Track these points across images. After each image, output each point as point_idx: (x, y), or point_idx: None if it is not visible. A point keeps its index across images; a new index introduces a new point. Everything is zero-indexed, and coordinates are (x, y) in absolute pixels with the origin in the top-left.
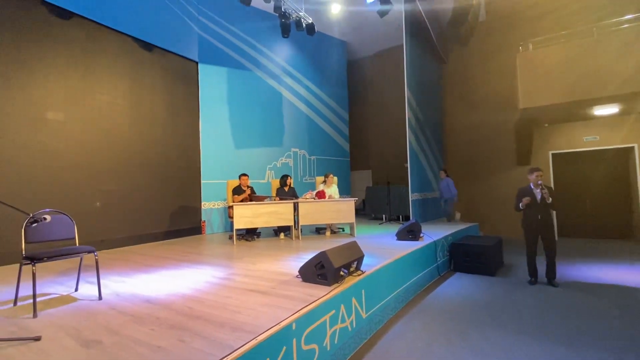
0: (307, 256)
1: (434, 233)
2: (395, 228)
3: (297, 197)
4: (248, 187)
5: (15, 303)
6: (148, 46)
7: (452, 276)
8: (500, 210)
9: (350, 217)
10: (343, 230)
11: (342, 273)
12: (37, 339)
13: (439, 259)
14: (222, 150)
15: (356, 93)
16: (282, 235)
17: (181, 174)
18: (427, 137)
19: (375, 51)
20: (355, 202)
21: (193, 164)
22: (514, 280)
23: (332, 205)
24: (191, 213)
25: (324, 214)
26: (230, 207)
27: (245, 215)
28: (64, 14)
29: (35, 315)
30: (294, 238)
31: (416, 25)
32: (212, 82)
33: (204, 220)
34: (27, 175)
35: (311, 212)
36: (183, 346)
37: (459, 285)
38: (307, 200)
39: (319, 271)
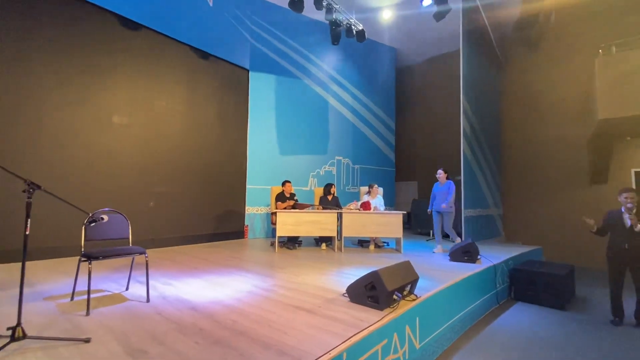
0: (351, 271)
1: (491, 255)
2: (444, 245)
3: (340, 207)
4: (291, 194)
5: (72, 298)
6: (204, 55)
7: (513, 306)
8: (568, 235)
9: (398, 231)
10: (387, 245)
11: (395, 297)
12: (87, 340)
13: (498, 286)
14: (267, 157)
15: (404, 101)
16: (323, 245)
17: (228, 179)
18: (483, 149)
19: (427, 57)
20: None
21: (239, 169)
22: (591, 318)
23: (378, 217)
24: (235, 217)
25: (368, 227)
26: (273, 214)
27: (288, 223)
28: (132, 26)
29: (88, 313)
30: (336, 249)
31: (474, 29)
32: (261, 90)
33: (247, 225)
34: (92, 175)
35: (355, 223)
36: None
37: (522, 318)
38: (352, 211)
39: (369, 292)
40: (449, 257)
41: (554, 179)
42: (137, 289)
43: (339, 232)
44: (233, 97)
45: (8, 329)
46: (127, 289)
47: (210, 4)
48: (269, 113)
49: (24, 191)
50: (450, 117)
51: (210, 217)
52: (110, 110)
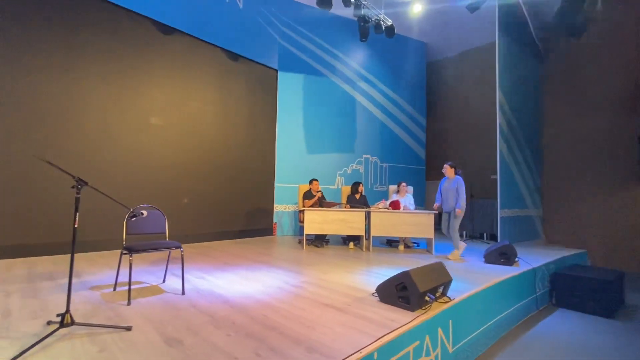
0: (380, 271)
1: (530, 258)
2: (478, 247)
3: (368, 206)
4: (318, 192)
5: (114, 288)
6: (234, 56)
7: (555, 312)
8: (617, 238)
9: (429, 231)
10: (418, 245)
11: (427, 298)
12: (129, 328)
13: (538, 291)
14: (295, 155)
15: (435, 97)
16: (351, 244)
17: (257, 177)
18: (521, 145)
19: (459, 51)
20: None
21: (268, 168)
22: None
23: (408, 217)
24: (264, 214)
25: (398, 226)
26: (301, 212)
27: (315, 221)
28: (167, 30)
29: (129, 303)
30: (364, 249)
31: (511, 19)
32: (289, 89)
33: (275, 222)
34: (131, 173)
35: (384, 222)
36: None
37: (565, 325)
38: (380, 210)
39: (400, 293)
40: (483, 259)
41: (601, 177)
42: (172, 282)
43: (367, 231)
44: (262, 97)
45: (58, 315)
46: (163, 281)
47: (240, 6)
48: (296, 112)
49: (72, 187)
50: (485, 112)
51: (240, 214)
52: (147, 112)
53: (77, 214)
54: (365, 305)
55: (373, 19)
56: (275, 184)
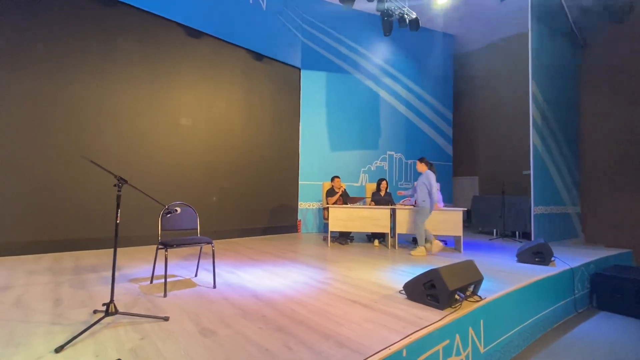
0: (406, 269)
1: (568, 258)
2: (510, 245)
3: (393, 203)
4: (340, 188)
5: (151, 281)
6: (258, 56)
7: (595, 315)
8: None
9: (457, 229)
10: (445, 244)
11: (457, 297)
12: (166, 319)
13: (576, 292)
14: (318, 153)
15: (463, 90)
16: (376, 242)
17: (282, 175)
18: (557, 139)
19: (488, 42)
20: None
21: (292, 166)
22: None
23: (434, 214)
24: (289, 212)
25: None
26: (325, 209)
27: (340, 218)
28: (195, 34)
29: (165, 295)
30: (389, 247)
31: (546, 6)
32: (312, 87)
33: (300, 220)
34: (162, 172)
35: (410, 220)
36: (290, 354)
37: (606, 329)
38: (406, 207)
39: (428, 291)
40: (516, 258)
41: None
42: (204, 276)
43: (392, 228)
44: (285, 96)
45: (103, 304)
46: (196, 275)
47: (264, 7)
48: (319, 110)
49: (115, 185)
50: (516, 105)
51: (265, 212)
52: (177, 113)
53: (119, 210)
54: (392, 302)
55: (396, 13)
56: (299, 182)
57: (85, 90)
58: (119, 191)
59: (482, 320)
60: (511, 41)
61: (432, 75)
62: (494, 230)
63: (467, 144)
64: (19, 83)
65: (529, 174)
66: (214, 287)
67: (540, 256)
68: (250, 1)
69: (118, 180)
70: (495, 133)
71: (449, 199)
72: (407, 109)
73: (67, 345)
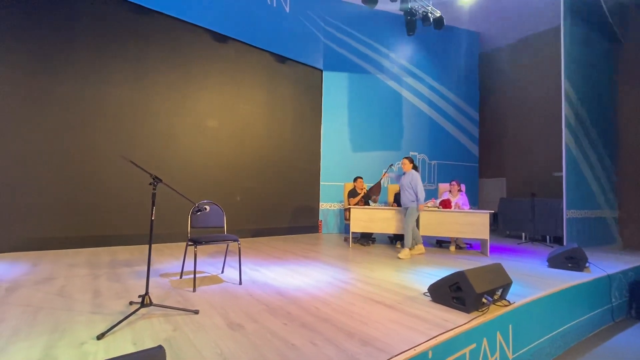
0: (430, 271)
1: (604, 264)
2: (540, 250)
3: None
4: (362, 189)
5: (181, 276)
6: (281, 59)
7: (634, 325)
8: None
9: (483, 232)
10: (471, 247)
11: (484, 300)
12: (196, 312)
13: (614, 300)
14: (340, 154)
15: (489, 89)
16: (398, 244)
17: (303, 175)
18: (592, 139)
19: (516, 39)
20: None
21: (314, 166)
22: None
23: (460, 216)
24: (310, 212)
25: (449, 226)
26: (347, 210)
27: (362, 219)
28: (221, 38)
29: (194, 290)
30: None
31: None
32: (334, 88)
33: (321, 220)
34: (190, 171)
35: (434, 222)
36: (315, 350)
37: None
38: (430, 209)
39: (454, 293)
40: (547, 263)
41: None
42: (230, 273)
43: None
44: (308, 97)
45: (139, 296)
46: (222, 271)
47: (287, 10)
48: (341, 110)
49: (150, 184)
50: (547, 104)
51: (287, 212)
52: (204, 115)
53: (154, 207)
54: (417, 304)
55: (420, 12)
56: (321, 182)
57: (120, 94)
58: (154, 189)
59: (510, 325)
60: (542, 37)
61: (457, 74)
62: (523, 234)
63: (493, 145)
64: (61, 87)
65: (561, 176)
66: (240, 283)
67: (574, 261)
68: (274, 4)
69: (153, 179)
70: (524, 133)
71: (474, 202)
72: (431, 108)
73: (108, 333)
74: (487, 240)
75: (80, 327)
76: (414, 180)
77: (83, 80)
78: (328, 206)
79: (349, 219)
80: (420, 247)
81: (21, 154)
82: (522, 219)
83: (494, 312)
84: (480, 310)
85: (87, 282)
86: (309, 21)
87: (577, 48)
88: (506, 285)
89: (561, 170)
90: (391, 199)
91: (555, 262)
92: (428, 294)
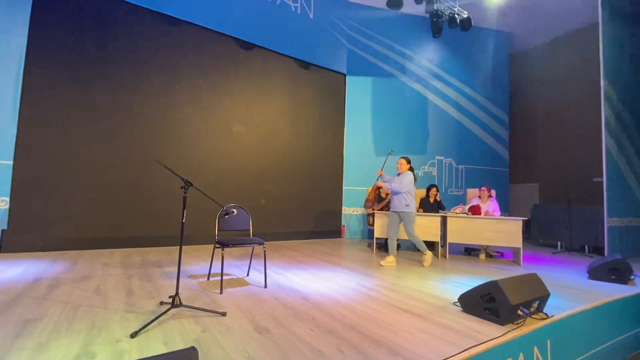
0: (459, 280)
1: None
2: (578, 260)
3: (443, 210)
4: (388, 195)
5: (208, 278)
6: (305, 64)
7: None
8: None
9: (516, 240)
10: (502, 256)
11: (520, 312)
12: (224, 314)
13: None
14: (363, 158)
15: (520, 91)
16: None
17: (326, 180)
18: (635, 142)
19: (549, 38)
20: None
21: (336, 171)
22: None
23: (490, 223)
24: (333, 217)
25: (479, 233)
26: (370, 215)
27: (386, 225)
28: (247, 46)
29: (221, 292)
30: (439, 256)
31: None
32: (357, 92)
33: (344, 225)
34: (217, 175)
35: (462, 229)
36: (342, 358)
37: None
38: (458, 215)
39: (487, 304)
40: (587, 274)
41: None
42: (255, 276)
43: (443, 237)
44: (331, 102)
45: (170, 297)
46: (247, 274)
47: (311, 16)
48: (364, 115)
49: (181, 187)
50: (585, 105)
51: (310, 216)
52: (230, 121)
53: (185, 210)
54: (446, 314)
55: (447, 13)
56: (344, 187)
57: (152, 102)
58: (185, 193)
59: (549, 340)
60: (576, 35)
61: (485, 76)
62: (559, 243)
63: (525, 149)
64: (98, 96)
65: (601, 181)
66: (265, 287)
67: (617, 273)
68: (298, 11)
69: (185, 183)
70: (559, 136)
71: (505, 208)
72: (458, 111)
73: (141, 332)
74: (519, 248)
75: (116, 325)
76: (412, 186)
77: (117, 89)
78: (351, 211)
79: (372, 224)
80: (429, 255)
81: (63, 159)
82: (558, 227)
83: (531, 325)
84: (515, 323)
85: (121, 282)
86: (333, 27)
87: (617, 45)
88: (543, 297)
89: (601, 176)
90: (417, 204)
91: (596, 274)
92: (458, 304)
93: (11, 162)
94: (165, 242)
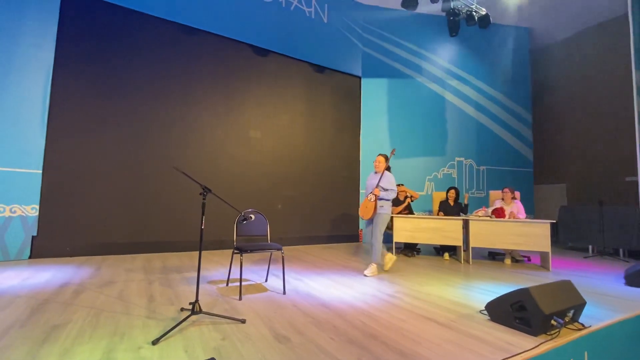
0: (485, 286)
1: None
2: (613, 265)
3: (465, 213)
4: (407, 197)
5: (227, 284)
6: (320, 69)
7: None
8: None
9: (544, 244)
10: (529, 260)
11: (554, 322)
12: (243, 321)
13: None
14: None
15: (543, 88)
16: (446, 255)
17: (343, 184)
18: None
19: (573, 32)
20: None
21: (353, 174)
22: None
23: (515, 226)
24: (350, 221)
25: (504, 237)
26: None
27: (406, 229)
28: (263, 52)
29: (240, 298)
30: (462, 261)
31: None
32: (373, 95)
33: (361, 229)
34: (234, 180)
35: (486, 232)
36: None
37: None
38: (481, 218)
39: (517, 313)
40: (624, 280)
41: None
42: (274, 282)
43: (465, 241)
44: (346, 105)
45: (190, 303)
46: (266, 280)
47: (325, 20)
48: (380, 117)
49: (200, 194)
50: (614, 101)
51: (327, 220)
52: (246, 127)
53: (204, 217)
54: (474, 323)
55: (464, 11)
56: (360, 190)
57: (170, 109)
58: (204, 199)
59: (586, 353)
60: (603, 28)
61: (506, 74)
62: (589, 247)
63: (550, 148)
64: (120, 106)
65: (635, 180)
66: (284, 293)
67: None
68: (312, 16)
69: (203, 189)
70: (587, 134)
71: (530, 210)
72: (477, 111)
73: (162, 339)
74: (548, 253)
75: (137, 331)
76: (390, 183)
77: (138, 99)
78: None
79: (391, 228)
80: (392, 258)
81: (88, 167)
82: (589, 229)
83: (566, 336)
84: (549, 333)
85: (142, 287)
86: (347, 29)
87: None
88: (579, 306)
89: (635, 175)
90: (436, 207)
91: (635, 280)
92: (485, 312)
93: (40, 171)
94: (185, 247)
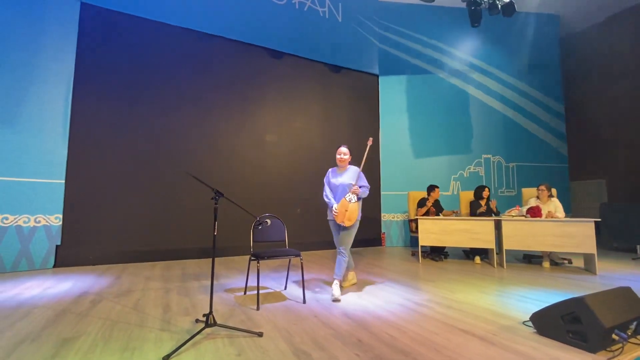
0: (523, 293)
1: None
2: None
3: (497, 214)
4: (435, 200)
5: (244, 292)
6: (336, 68)
7: None
8: None
9: (588, 245)
10: (570, 263)
11: (615, 336)
12: (260, 334)
13: None
14: (401, 161)
15: (576, 77)
16: (477, 259)
17: None
18: None
19: (605, 17)
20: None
21: (373, 175)
22: None
23: (555, 226)
24: (372, 224)
25: (541, 238)
26: (412, 221)
27: (432, 231)
28: (278, 55)
29: (258, 308)
30: (495, 265)
31: None
32: (391, 93)
33: (384, 232)
34: (250, 185)
35: (520, 233)
36: None
37: None
38: (515, 218)
39: (570, 326)
40: None
41: None
42: (293, 289)
43: (498, 243)
44: (364, 105)
45: (204, 315)
46: (285, 288)
47: (339, 19)
48: (400, 115)
49: (212, 198)
50: None
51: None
52: (262, 131)
53: (216, 222)
54: (517, 336)
55: (485, 0)
56: (382, 192)
57: (188, 117)
58: (215, 204)
59: None
60: (637, 10)
61: (534, 65)
62: (638, 247)
63: (587, 141)
64: (141, 115)
65: None
66: (304, 302)
67: None
68: (326, 16)
69: (215, 193)
70: (628, 125)
71: (567, 208)
72: (504, 105)
73: (173, 355)
74: (593, 254)
75: (149, 345)
76: (362, 179)
77: (156, 108)
78: (391, 217)
79: (415, 231)
80: (354, 275)
81: (109, 176)
82: (637, 228)
83: (630, 352)
84: (609, 350)
85: (159, 296)
86: (363, 27)
87: None
88: None
89: None
90: (464, 208)
91: None
92: (530, 324)
93: (63, 181)
94: (205, 254)
